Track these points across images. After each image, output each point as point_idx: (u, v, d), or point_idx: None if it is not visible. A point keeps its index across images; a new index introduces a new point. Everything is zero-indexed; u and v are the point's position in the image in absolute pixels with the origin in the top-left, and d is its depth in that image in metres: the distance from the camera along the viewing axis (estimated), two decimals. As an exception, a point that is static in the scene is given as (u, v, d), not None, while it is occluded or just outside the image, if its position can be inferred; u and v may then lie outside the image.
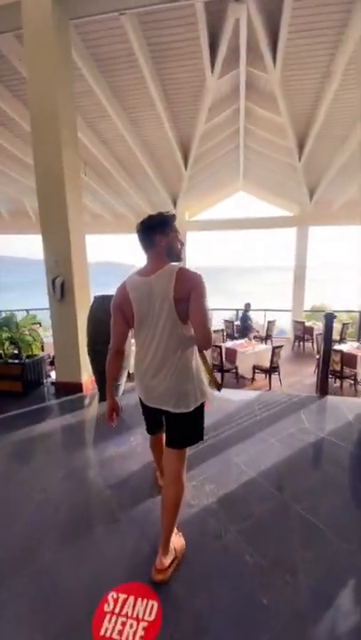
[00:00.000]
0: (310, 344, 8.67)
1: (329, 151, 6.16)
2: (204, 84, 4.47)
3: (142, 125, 5.47)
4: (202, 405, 1.45)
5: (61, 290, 3.27)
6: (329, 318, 3.52)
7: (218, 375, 6.36)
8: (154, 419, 1.62)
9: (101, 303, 3.07)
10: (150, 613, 1.31)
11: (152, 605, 1.33)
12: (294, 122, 5.24)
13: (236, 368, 6.39)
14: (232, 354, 6.56)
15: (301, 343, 8.69)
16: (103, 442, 2.61)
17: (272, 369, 6.12)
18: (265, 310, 10.49)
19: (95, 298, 3.18)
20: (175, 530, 1.54)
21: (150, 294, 1.36)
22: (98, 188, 7.61)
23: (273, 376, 6.21)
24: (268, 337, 8.79)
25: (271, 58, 3.98)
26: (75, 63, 3.73)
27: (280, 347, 6.05)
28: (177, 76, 4.46)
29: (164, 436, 1.59)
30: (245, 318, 8.61)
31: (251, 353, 6.34)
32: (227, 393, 3.61)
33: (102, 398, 3.34)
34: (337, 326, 8.20)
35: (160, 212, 1.46)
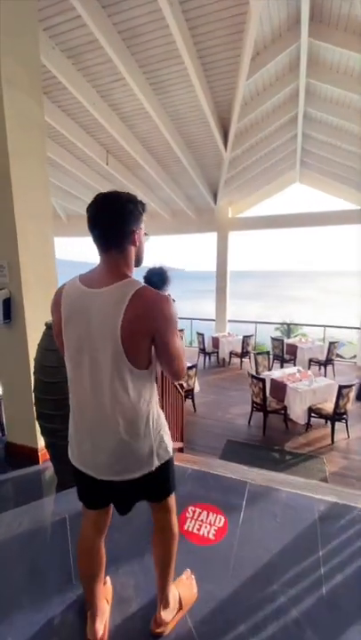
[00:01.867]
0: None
1: None
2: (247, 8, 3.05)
3: (167, 91, 4.22)
4: (171, 459, 1.17)
5: (5, 309, 2.13)
6: None
7: (259, 416, 4.84)
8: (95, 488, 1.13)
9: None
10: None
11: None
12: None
13: (285, 409, 4.80)
14: (280, 388, 4.99)
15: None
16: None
17: (336, 415, 4.44)
18: (324, 326, 8.60)
19: (48, 324, 1.98)
20: (184, 576, 1.43)
21: (89, 317, 0.97)
22: (124, 180, 6.55)
23: (337, 424, 4.51)
24: (328, 362, 6.97)
25: None
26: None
27: (349, 387, 4.34)
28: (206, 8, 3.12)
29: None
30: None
31: (306, 389, 4.72)
32: (260, 478, 2.14)
33: (61, 483, 2.12)
34: None
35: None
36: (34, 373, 2.02)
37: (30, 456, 2.36)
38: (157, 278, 1.13)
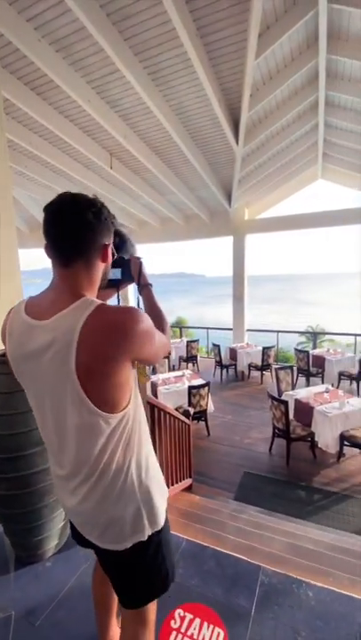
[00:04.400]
0: None
1: None
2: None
3: (168, 80, 3.79)
4: (157, 538, 0.89)
5: None
6: None
7: (282, 443, 4.21)
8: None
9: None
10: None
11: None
12: None
13: (313, 435, 4.15)
14: (306, 412, 4.34)
15: None
16: None
17: (374, 444, 3.73)
18: (355, 335, 7.75)
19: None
20: None
21: (39, 363, 0.78)
22: (131, 185, 6.19)
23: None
24: (360, 376, 6.18)
25: None
26: None
27: (390, 412, 3.63)
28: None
29: None
30: None
31: (337, 413, 4.05)
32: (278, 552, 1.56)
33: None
34: None
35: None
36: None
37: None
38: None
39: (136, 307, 0.87)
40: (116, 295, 1.17)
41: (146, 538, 0.87)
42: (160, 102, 4.02)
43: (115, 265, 1.11)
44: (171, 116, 4.31)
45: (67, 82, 3.61)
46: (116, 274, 1.11)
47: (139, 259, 1.13)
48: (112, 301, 1.21)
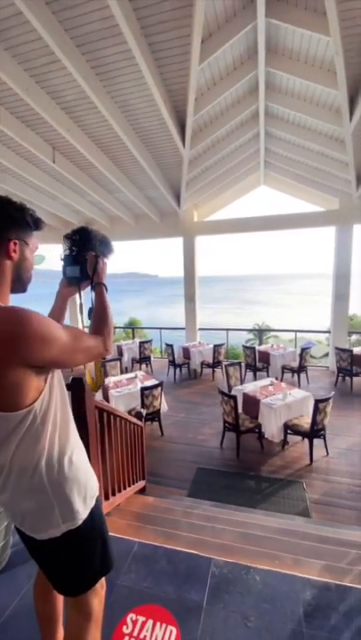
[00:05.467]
0: (361, 379, 6.47)
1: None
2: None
3: (112, 77, 3.72)
4: (75, 536, 0.91)
5: None
6: None
7: (232, 436, 4.38)
8: None
9: None
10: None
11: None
12: (349, 50, 3.25)
13: (260, 427, 4.38)
14: (253, 404, 4.57)
15: (348, 379, 6.49)
16: None
17: (314, 431, 4.06)
18: (295, 331, 8.37)
19: None
20: None
21: None
22: (76, 181, 5.95)
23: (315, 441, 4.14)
24: (301, 369, 6.68)
25: None
26: None
27: (326, 401, 3.98)
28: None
29: None
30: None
31: (281, 404, 4.32)
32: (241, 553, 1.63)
33: None
34: None
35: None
36: None
37: None
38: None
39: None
40: (77, 294, 1.17)
41: (60, 534, 0.89)
42: (104, 98, 3.93)
43: (74, 262, 1.11)
44: (117, 114, 4.23)
45: (1, 67, 3.36)
46: (74, 271, 1.11)
47: (96, 256, 1.12)
48: (73, 300, 1.21)
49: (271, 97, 4.62)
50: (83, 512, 0.93)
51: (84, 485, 0.95)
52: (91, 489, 0.98)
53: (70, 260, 1.12)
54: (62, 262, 1.14)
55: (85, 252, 1.11)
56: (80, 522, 0.92)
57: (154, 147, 5.21)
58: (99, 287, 1.10)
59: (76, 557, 0.95)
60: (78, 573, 0.97)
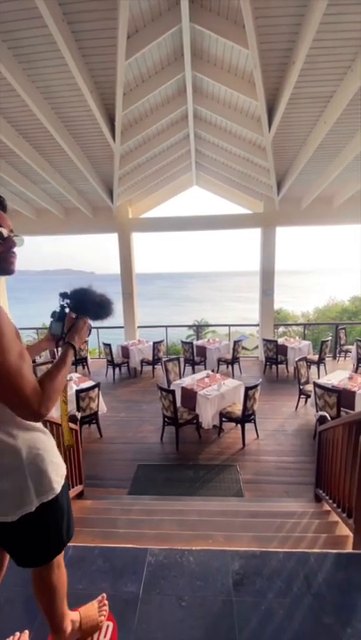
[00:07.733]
0: (284, 366, 7.16)
1: (306, 124, 4.61)
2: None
3: (32, 60, 3.47)
4: (45, 509, 1.00)
5: None
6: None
7: (171, 430, 4.49)
8: None
9: None
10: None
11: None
12: (267, 64, 3.53)
13: (197, 417, 4.56)
14: (190, 397, 4.74)
15: (274, 367, 7.12)
16: None
17: (245, 416, 4.38)
18: (229, 326, 8.87)
19: None
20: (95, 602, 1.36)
21: None
22: (-5, 170, 5.42)
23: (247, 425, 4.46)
24: (235, 360, 7.12)
25: None
26: None
27: (254, 388, 4.31)
28: None
29: None
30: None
31: (215, 394, 4.55)
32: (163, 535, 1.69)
33: None
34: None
35: None
36: None
37: None
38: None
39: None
40: (55, 349, 1.25)
41: (34, 509, 0.97)
42: (24, 81, 3.65)
43: (59, 319, 1.18)
44: (39, 100, 3.96)
45: None
46: (57, 329, 1.18)
47: (77, 318, 1.18)
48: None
49: (199, 100, 4.79)
50: (55, 482, 1.03)
51: (50, 458, 1.03)
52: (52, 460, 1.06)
53: (57, 316, 1.20)
54: (50, 318, 1.21)
55: (78, 311, 1.19)
56: (57, 492, 1.03)
57: (82, 138, 5.01)
58: (67, 346, 1.13)
59: (47, 528, 1.04)
60: (49, 543, 1.06)
